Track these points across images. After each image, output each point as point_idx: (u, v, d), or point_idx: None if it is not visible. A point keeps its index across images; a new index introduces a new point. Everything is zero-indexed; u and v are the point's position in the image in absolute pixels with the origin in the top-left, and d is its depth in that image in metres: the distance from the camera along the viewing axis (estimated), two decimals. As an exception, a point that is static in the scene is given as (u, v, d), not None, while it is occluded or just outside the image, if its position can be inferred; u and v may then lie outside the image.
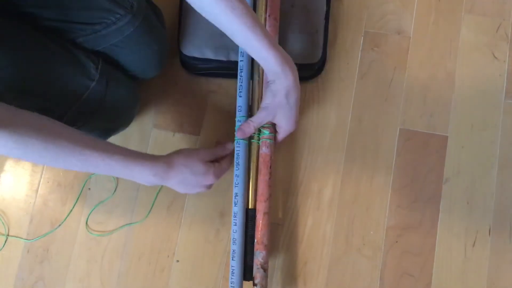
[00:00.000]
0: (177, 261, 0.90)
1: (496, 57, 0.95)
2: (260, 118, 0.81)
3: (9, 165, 0.95)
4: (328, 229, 0.90)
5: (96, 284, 0.90)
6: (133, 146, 0.94)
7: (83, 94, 0.78)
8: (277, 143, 0.86)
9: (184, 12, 0.92)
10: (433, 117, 0.93)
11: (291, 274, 0.89)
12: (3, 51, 0.70)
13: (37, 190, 0.94)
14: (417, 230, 0.89)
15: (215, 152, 0.83)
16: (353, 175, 0.91)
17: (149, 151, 0.94)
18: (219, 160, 0.82)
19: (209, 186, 0.80)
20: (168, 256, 0.90)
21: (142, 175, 0.72)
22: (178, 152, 0.78)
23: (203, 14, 0.72)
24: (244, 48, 0.75)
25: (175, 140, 0.94)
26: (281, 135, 0.84)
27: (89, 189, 0.93)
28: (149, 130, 0.95)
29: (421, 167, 0.91)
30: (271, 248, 0.89)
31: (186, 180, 0.76)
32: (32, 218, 0.93)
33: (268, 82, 0.77)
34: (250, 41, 0.71)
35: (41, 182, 0.94)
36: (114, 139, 0.91)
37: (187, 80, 0.96)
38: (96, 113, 0.80)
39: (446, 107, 0.93)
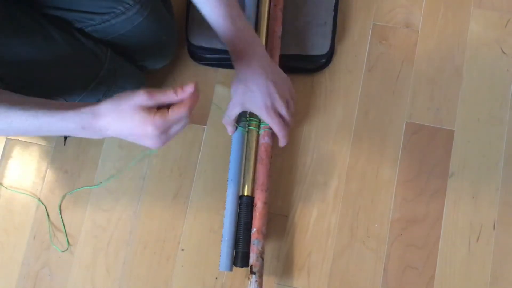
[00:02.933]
0: (182, 250, 0.91)
1: (504, 52, 0.95)
2: (229, 109, 0.81)
3: (16, 152, 0.96)
4: (333, 220, 0.90)
5: (102, 272, 0.91)
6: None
7: (91, 83, 0.78)
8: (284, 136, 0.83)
9: (192, 5, 0.92)
10: (440, 111, 0.93)
11: (295, 265, 0.89)
12: (12, 40, 0.70)
13: (44, 177, 0.94)
14: (422, 223, 0.89)
15: (157, 96, 0.59)
16: (359, 167, 0.92)
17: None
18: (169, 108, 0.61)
19: (158, 139, 0.61)
20: (173, 245, 0.91)
21: (71, 130, 0.61)
22: (110, 98, 0.62)
23: None
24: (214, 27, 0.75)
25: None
26: (273, 126, 0.81)
27: (101, 182, 0.94)
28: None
29: (427, 160, 0.91)
30: (275, 239, 0.90)
31: (122, 130, 0.61)
32: (39, 205, 0.93)
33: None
34: (217, 20, 0.72)
35: (48, 169, 0.95)
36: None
37: (194, 70, 0.97)
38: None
39: (453, 101, 0.93)
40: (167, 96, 0.59)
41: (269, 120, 0.79)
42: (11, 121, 0.60)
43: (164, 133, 0.60)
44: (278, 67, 0.83)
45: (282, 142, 0.83)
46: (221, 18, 0.72)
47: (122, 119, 0.59)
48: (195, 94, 0.60)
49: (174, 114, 0.59)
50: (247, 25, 0.76)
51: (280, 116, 0.80)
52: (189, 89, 0.59)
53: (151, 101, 0.59)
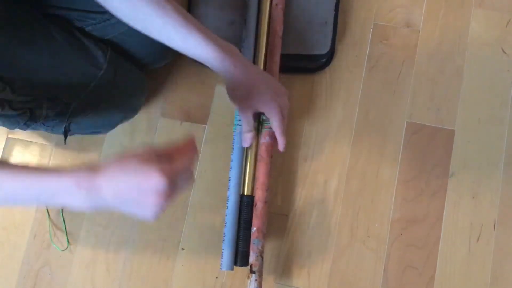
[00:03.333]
0: (183, 249, 0.91)
1: (505, 52, 0.95)
2: (242, 118, 0.78)
3: (16, 150, 0.96)
4: (333, 220, 0.90)
5: (102, 271, 0.91)
6: (140, 135, 0.95)
7: (91, 83, 0.78)
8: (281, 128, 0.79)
9: (193, 1, 0.92)
10: (441, 111, 0.93)
11: (295, 264, 0.89)
12: (12, 39, 0.70)
13: (44, 176, 0.94)
14: (422, 223, 0.89)
15: (162, 150, 0.56)
16: (359, 167, 0.92)
17: (156, 139, 0.94)
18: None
19: (164, 195, 0.53)
20: (174, 244, 0.91)
21: (62, 191, 0.54)
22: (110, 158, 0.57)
23: (134, 22, 0.68)
24: (180, 48, 0.70)
25: (182, 129, 0.95)
26: (273, 122, 0.77)
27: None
28: (157, 119, 0.95)
29: (428, 160, 0.91)
30: (276, 238, 0.90)
31: (122, 186, 0.53)
32: (39, 204, 0.93)
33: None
34: (185, 40, 0.68)
35: (48, 169, 0.95)
36: (122, 128, 0.91)
37: (195, 69, 0.97)
38: (104, 101, 0.80)
39: (453, 101, 0.93)
40: (169, 148, 0.57)
41: (278, 118, 0.76)
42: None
43: (171, 184, 0.53)
44: None
45: (282, 145, 0.80)
46: (197, 39, 0.69)
47: (124, 173, 0.54)
48: (194, 148, 0.58)
49: (179, 160, 0.56)
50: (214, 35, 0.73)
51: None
52: (190, 141, 0.58)
53: (154, 152, 0.55)
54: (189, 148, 0.58)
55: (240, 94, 0.74)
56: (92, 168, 0.54)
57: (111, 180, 0.53)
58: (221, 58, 0.69)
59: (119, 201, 0.54)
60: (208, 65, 0.71)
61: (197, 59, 0.71)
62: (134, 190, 0.53)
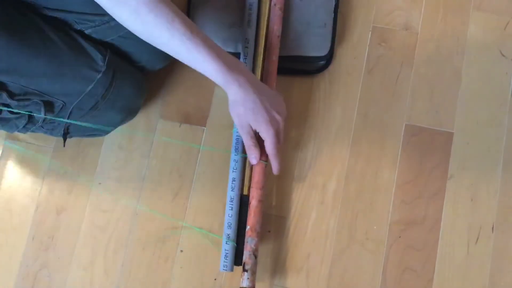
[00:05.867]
0: (181, 251, 0.91)
1: (503, 55, 0.95)
2: (243, 135, 0.78)
3: (16, 152, 0.96)
4: (331, 223, 0.90)
5: (100, 273, 0.91)
6: (139, 136, 0.95)
7: (89, 85, 0.78)
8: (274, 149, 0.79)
9: (192, 4, 0.92)
10: (439, 114, 0.93)
11: (294, 267, 0.89)
12: (9, 43, 0.70)
13: (43, 178, 0.94)
14: (421, 225, 0.89)
15: None
16: (358, 169, 0.92)
17: (155, 141, 0.94)
18: None
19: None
20: (172, 246, 0.91)
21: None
22: None
23: (141, 34, 0.69)
24: (185, 60, 0.72)
25: (182, 131, 0.95)
26: (267, 144, 0.77)
27: (100, 183, 0.94)
28: (156, 121, 0.95)
29: (426, 163, 0.91)
30: (274, 240, 0.90)
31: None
32: (38, 205, 0.93)
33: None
34: (190, 53, 0.69)
35: (47, 170, 0.95)
36: (120, 129, 0.91)
37: (194, 73, 0.95)
38: (103, 103, 0.80)
39: (452, 103, 0.94)
40: None
41: (272, 141, 0.76)
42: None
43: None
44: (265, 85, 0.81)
45: (276, 169, 0.80)
46: (202, 53, 0.70)
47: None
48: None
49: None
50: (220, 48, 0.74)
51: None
52: None
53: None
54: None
55: (239, 111, 0.75)
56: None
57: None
58: (224, 74, 0.70)
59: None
60: (212, 79, 0.72)
61: (201, 73, 0.72)
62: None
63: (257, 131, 0.77)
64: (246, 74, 0.73)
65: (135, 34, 0.70)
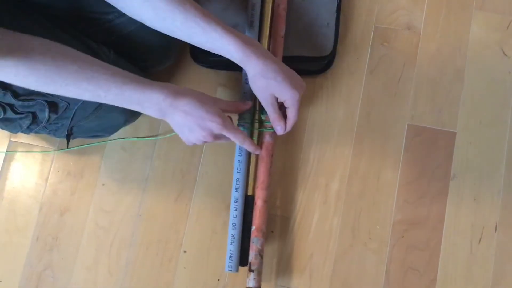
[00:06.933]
0: (185, 251, 0.91)
1: (506, 54, 0.95)
2: (267, 108, 0.78)
3: (20, 154, 0.96)
4: (334, 222, 0.90)
5: (104, 273, 0.91)
6: (142, 136, 0.95)
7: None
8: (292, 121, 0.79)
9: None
10: (442, 113, 0.93)
11: (297, 266, 0.89)
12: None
13: (47, 179, 0.95)
14: (424, 225, 0.89)
15: (233, 104, 0.81)
16: (361, 169, 0.92)
17: (158, 141, 0.95)
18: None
19: (212, 134, 0.73)
20: (176, 247, 0.91)
21: (152, 99, 0.69)
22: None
23: (154, 22, 0.70)
24: (202, 42, 0.72)
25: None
26: (291, 110, 0.77)
27: (103, 184, 0.94)
28: (158, 121, 0.95)
29: (429, 162, 0.91)
30: (277, 240, 0.90)
31: (193, 112, 0.71)
32: (42, 206, 0.94)
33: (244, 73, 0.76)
34: (206, 33, 0.70)
35: (51, 171, 0.95)
36: (124, 131, 0.92)
37: (196, 72, 0.97)
38: (106, 104, 0.81)
39: (455, 103, 0.93)
40: (241, 105, 0.82)
41: (297, 108, 0.77)
42: (97, 82, 0.66)
43: (222, 131, 0.73)
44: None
45: (289, 127, 0.80)
46: (218, 32, 0.71)
47: (200, 102, 0.71)
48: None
49: (238, 129, 0.76)
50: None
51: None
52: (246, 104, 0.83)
53: (229, 107, 0.78)
54: (247, 106, 0.82)
55: (261, 84, 0.75)
56: (178, 88, 0.72)
57: (189, 102, 0.71)
58: (243, 49, 0.71)
59: (183, 120, 0.72)
60: (230, 57, 0.73)
61: (219, 53, 0.73)
62: (200, 119, 0.71)
63: (282, 99, 0.76)
64: (262, 48, 0.74)
65: (147, 24, 0.70)
